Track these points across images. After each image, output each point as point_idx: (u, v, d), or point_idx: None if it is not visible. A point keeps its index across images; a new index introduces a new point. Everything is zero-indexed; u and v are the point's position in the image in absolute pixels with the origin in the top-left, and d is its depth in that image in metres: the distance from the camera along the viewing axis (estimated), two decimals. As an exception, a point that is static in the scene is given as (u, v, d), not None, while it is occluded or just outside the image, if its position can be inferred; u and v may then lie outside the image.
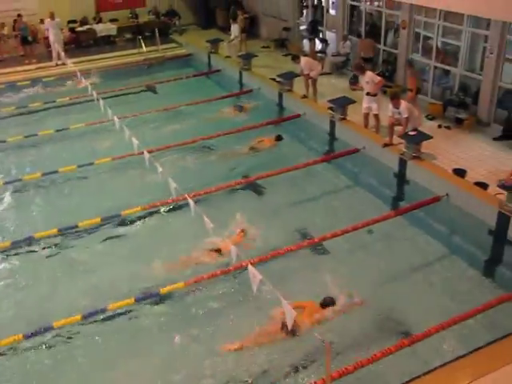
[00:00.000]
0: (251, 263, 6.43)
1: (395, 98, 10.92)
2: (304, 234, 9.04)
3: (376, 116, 11.90)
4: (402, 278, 7.99)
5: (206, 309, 7.45)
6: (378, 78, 11.95)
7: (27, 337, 6.99)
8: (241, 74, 16.65)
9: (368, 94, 11.86)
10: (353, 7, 17.00)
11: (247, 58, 16.95)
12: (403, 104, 10.91)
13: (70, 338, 7.11)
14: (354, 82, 14.10)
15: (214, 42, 18.86)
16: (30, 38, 20.13)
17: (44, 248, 9.01)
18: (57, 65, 19.19)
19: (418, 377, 5.84)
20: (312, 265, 8.26)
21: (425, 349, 6.46)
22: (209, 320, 7.23)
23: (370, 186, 10.66)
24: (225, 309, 7.41)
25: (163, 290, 7.62)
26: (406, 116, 10.84)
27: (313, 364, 6.42)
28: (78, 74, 14.04)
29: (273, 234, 8.98)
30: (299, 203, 10.08)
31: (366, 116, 12.03)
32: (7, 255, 8.88)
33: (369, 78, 11.82)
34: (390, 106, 11.06)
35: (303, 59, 14.09)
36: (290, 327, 5.65)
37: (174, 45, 20.98)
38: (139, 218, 9.71)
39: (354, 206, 9.82)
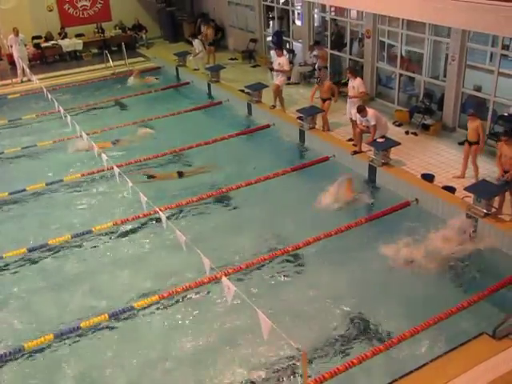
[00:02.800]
0: (225, 275, 6.44)
1: (363, 111, 11.07)
2: (277, 243, 9.06)
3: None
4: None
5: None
6: (363, 89, 12.05)
7: None
8: (209, 86, 16.69)
9: (351, 97, 11.99)
10: (318, 18, 17.26)
11: (215, 69, 17.02)
12: (370, 112, 11.08)
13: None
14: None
15: (182, 55, 18.86)
16: (-7, 55, 19.85)
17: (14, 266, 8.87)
18: (22, 81, 18.93)
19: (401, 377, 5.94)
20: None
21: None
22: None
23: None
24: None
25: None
26: (373, 123, 11.02)
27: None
28: (44, 90, 13.87)
29: (247, 245, 8.99)
30: (271, 214, 10.08)
31: (354, 123, 11.98)
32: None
33: (356, 85, 11.96)
34: (358, 116, 11.21)
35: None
36: (265, 337, 5.63)
37: (141, 59, 20.90)
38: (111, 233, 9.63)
39: (326, 213, 9.86)
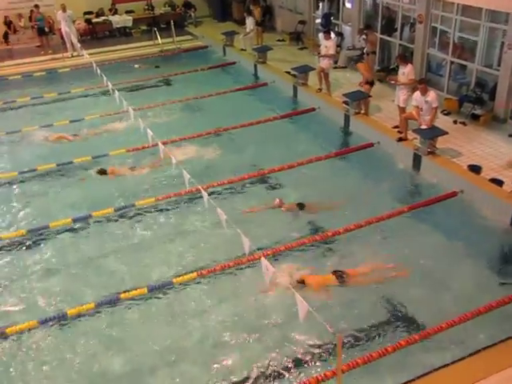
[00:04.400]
0: (264, 256, 6.47)
1: (423, 83, 10.68)
2: (316, 227, 9.03)
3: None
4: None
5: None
6: (413, 76, 11.69)
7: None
8: (256, 66, 16.65)
9: (401, 85, 11.68)
10: (369, 1, 16.90)
11: (262, 50, 16.95)
12: (432, 93, 10.61)
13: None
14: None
15: (230, 35, 18.86)
16: (46, 29, 20.29)
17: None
18: (72, 56, 19.31)
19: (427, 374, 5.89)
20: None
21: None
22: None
23: (384, 180, 10.58)
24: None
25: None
26: (435, 106, 10.55)
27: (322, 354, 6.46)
28: (94, 64, 14.09)
29: (284, 227, 8.99)
30: (311, 198, 10.03)
31: (401, 110, 11.71)
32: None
33: (407, 71, 11.62)
34: (416, 94, 10.75)
35: None
36: (301, 319, 5.65)
37: (189, 37, 21.00)
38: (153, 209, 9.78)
39: (367, 200, 9.77)
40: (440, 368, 6.04)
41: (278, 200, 9.50)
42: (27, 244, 9.00)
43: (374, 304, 7.25)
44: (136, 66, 18.09)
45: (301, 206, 9.48)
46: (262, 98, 14.87)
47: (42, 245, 9.00)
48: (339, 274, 7.47)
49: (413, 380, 5.88)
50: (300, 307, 5.56)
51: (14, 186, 10.90)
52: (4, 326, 7.10)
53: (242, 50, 18.25)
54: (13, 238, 9.06)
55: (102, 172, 10.85)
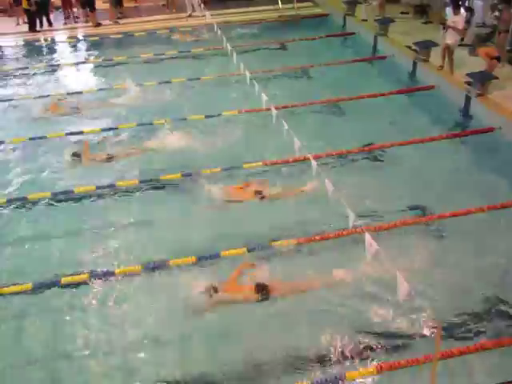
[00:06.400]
0: (368, 231, 6.38)
1: None
2: (422, 209, 8.74)
3: None
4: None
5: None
6: None
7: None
8: (375, 38, 16.14)
9: None
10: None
11: (384, 22, 16.37)
12: None
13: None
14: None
15: (351, 4, 18.38)
16: (171, -12, 20.92)
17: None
18: (190, 16, 19.80)
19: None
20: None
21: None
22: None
23: (501, 168, 9.97)
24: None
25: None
26: None
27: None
28: (215, 25, 14.35)
29: (390, 206, 8.79)
30: (420, 178, 9.68)
31: None
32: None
33: None
34: None
35: None
36: (401, 298, 5.55)
37: (310, 4, 20.73)
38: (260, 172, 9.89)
39: (478, 187, 9.27)
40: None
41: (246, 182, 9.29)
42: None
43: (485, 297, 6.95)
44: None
45: (259, 192, 9.09)
46: (379, 72, 14.48)
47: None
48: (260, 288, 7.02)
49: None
50: (400, 287, 5.47)
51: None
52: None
53: (363, 20, 17.74)
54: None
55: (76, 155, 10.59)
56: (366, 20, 17.63)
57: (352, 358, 6.10)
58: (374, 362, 6.00)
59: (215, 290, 6.90)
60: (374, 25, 16.64)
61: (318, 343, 6.30)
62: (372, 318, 6.65)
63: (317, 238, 7.92)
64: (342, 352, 6.15)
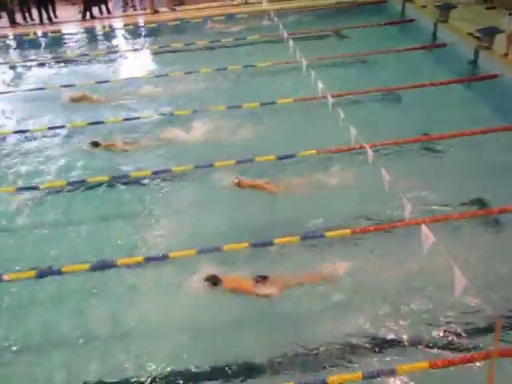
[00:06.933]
0: (425, 222, 6.27)
1: None
2: (482, 202, 8.48)
3: None
4: None
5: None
6: None
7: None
8: (436, 25, 15.67)
9: None
10: None
11: (445, 8, 15.85)
12: None
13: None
14: None
15: (412, -11, 17.93)
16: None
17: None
18: (246, 3, 19.80)
19: None
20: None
21: None
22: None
23: None
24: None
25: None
26: None
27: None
28: (272, 12, 14.32)
29: (448, 198, 8.57)
30: (480, 170, 9.39)
31: None
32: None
33: None
34: None
35: None
36: (456, 294, 5.44)
37: (368, -10, 20.32)
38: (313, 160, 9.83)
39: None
40: None
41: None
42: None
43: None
44: None
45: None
46: (438, 60, 14.04)
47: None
48: (259, 280, 6.86)
49: None
50: (457, 282, 5.37)
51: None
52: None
53: (423, 6, 17.26)
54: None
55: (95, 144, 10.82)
56: (426, 6, 17.14)
57: (404, 351, 6.04)
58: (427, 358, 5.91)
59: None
60: (435, 11, 16.15)
61: (374, 332, 6.28)
62: (425, 312, 6.53)
63: (371, 228, 7.81)
64: (397, 343, 6.09)
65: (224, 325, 6.54)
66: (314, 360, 6.05)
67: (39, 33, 19.81)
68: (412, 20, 16.85)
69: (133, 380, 5.95)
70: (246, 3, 20.05)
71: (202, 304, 6.74)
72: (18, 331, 6.76)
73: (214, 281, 6.87)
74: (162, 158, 10.30)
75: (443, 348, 6.05)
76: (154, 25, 19.30)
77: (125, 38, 19.13)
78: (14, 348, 6.51)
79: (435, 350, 6.04)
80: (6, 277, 7.05)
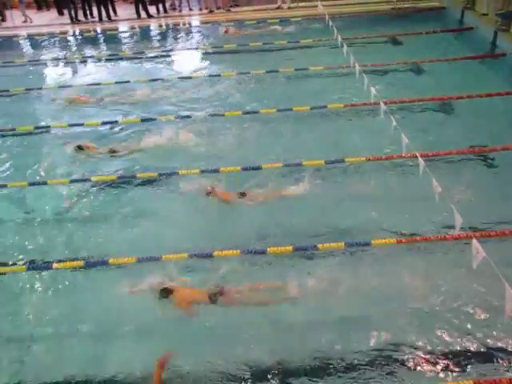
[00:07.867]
0: (475, 237, 6.05)
1: None
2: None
3: None
4: None
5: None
6: None
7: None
8: (496, 34, 15.19)
9: None
10: None
11: (507, 17, 15.31)
12: None
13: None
14: None
15: (471, -4, 17.45)
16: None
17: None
18: (289, 7, 19.83)
19: None
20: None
21: None
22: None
23: None
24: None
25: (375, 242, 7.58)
26: None
27: None
28: (326, 16, 14.20)
29: (501, 213, 8.25)
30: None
31: None
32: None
33: None
34: None
35: None
36: (507, 315, 5.22)
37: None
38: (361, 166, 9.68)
39: None
40: None
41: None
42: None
43: None
44: None
45: (242, 194, 8.63)
46: (497, 70, 13.61)
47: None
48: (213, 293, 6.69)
49: None
50: (508, 300, 5.15)
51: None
52: None
53: (483, 14, 16.76)
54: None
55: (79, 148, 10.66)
56: (487, 14, 16.64)
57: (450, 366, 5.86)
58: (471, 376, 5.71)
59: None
60: (496, 19, 15.66)
61: (414, 344, 6.12)
62: (469, 330, 6.30)
63: (418, 238, 7.62)
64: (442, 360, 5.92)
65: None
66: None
67: (98, 30, 20.44)
68: (471, 28, 16.39)
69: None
70: (278, 8, 19.97)
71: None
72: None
73: (164, 294, 6.79)
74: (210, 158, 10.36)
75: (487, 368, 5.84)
76: (208, 25, 19.52)
77: (178, 37, 19.39)
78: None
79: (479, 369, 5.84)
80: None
